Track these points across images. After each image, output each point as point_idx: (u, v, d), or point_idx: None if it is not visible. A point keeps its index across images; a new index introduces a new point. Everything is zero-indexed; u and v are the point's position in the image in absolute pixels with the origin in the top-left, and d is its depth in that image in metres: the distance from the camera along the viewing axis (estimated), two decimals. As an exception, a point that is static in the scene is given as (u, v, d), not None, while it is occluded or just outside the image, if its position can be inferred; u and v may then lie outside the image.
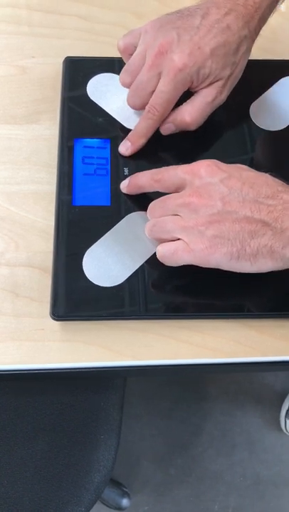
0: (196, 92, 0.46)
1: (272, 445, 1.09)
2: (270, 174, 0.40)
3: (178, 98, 0.45)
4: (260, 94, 0.52)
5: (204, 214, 0.38)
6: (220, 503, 1.04)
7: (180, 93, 0.45)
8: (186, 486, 1.04)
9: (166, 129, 0.48)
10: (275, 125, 0.51)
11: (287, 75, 0.53)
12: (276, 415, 1.11)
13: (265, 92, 0.52)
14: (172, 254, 0.40)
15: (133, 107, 0.48)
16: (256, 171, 0.40)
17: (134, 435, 1.07)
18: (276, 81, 0.53)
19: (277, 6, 0.48)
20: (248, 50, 0.47)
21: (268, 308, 0.43)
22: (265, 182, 0.39)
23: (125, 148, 0.48)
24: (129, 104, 0.48)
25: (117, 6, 0.60)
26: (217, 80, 0.46)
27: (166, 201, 0.41)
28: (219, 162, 0.41)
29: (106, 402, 0.61)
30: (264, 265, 0.38)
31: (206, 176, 0.39)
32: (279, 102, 0.52)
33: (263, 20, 0.47)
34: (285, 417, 1.08)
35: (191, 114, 0.46)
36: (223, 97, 0.47)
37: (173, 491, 1.04)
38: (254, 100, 0.51)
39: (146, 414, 1.09)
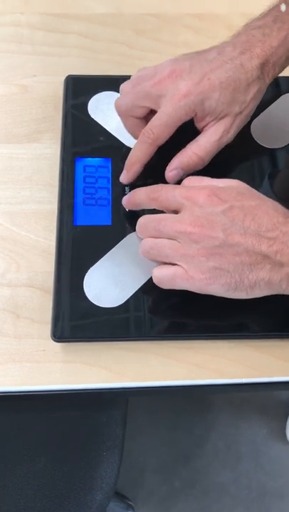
0: (201, 131, 0.45)
1: (278, 456, 1.08)
2: (273, 201, 0.39)
3: (176, 126, 0.44)
4: (261, 112, 0.52)
5: (206, 245, 0.38)
6: (225, 516, 1.03)
7: (179, 121, 0.44)
8: (192, 499, 1.04)
9: (174, 176, 0.46)
10: (277, 143, 0.51)
11: (287, 92, 0.53)
12: (281, 426, 1.10)
13: (266, 110, 0.52)
14: (170, 280, 0.40)
15: (117, 109, 0.46)
16: (257, 197, 0.39)
17: (137, 447, 1.06)
18: (276, 98, 0.53)
19: None
20: (260, 92, 0.45)
21: (269, 328, 0.43)
22: (266, 212, 0.38)
23: (123, 176, 0.47)
24: (116, 105, 0.46)
25: (117, 23, 0.60)
26: (224, 117, 0.44)
27: (162, 223, 0.40)
28: (219, 189, 0.39)
29: (109, 418, 0.61)
30: (259, 294, 0.39)
31: (206, 206, 0.38)
32: (280, 120, 0.52)
33: (278, 65, 0.45)
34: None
35: (198, 152, 0.45)
36: (230, 136, 0.45)
37: (178, 504, 1.03)
38: (255, 117, 0.51)
39: (150, 426, 1.08)
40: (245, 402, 1.12)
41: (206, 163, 0.46)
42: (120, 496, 1.01)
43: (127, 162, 0.46)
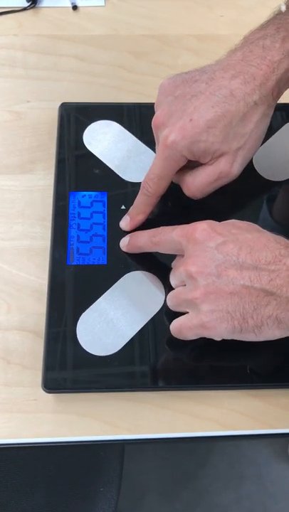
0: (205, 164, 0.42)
1: (281, 478, 1.06)
2: (274, 233, 0.37)
3: (172, 175, 0.42)
4: (264, 142, 0.49)
5: (200, 284, 0.35)
6: (227, 540, 1.01)
7: (172, 170, 0.42)
8: (192, 522, 1.02)
9: None
10: (280, 175, 0.48)
11: (290, 120, 0.51)
12: (284, 446, 1.08)
13: (269, 139, 0.49)
14: (179, 332, 0.38)
15: None
16: (256, 230, 0.37)
17: (138, 467, 1.04)
18: (280, 127, 0.50)
19: None
20: (264, 116, 0.41)
21: (271, 377, 0.41)
22: (265, 245, 0.35)
23: (125, 223, 0.45)
24: None
25: (115, 45, 0.58)
26: (221, 155, 0.41)
27: (175, 269, 0.39)
28: (216, 224, 0.37)
29: (106, 452, 0.59)
30: (271, 335, 0.36)
31: (200, 241, 0.36)
32: (284, 150, 0.49)
33: (284, 81, 0.41)
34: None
35: (190, 189, 0.43)
36: (235, 172, 0.42)
37: (178, 528, 1.01)
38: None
39: (151, 446, 1.06)
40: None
41: (201, 197, 0.44)
42: (119, 520, 0.99)
43: (131, 211, 0.45)
